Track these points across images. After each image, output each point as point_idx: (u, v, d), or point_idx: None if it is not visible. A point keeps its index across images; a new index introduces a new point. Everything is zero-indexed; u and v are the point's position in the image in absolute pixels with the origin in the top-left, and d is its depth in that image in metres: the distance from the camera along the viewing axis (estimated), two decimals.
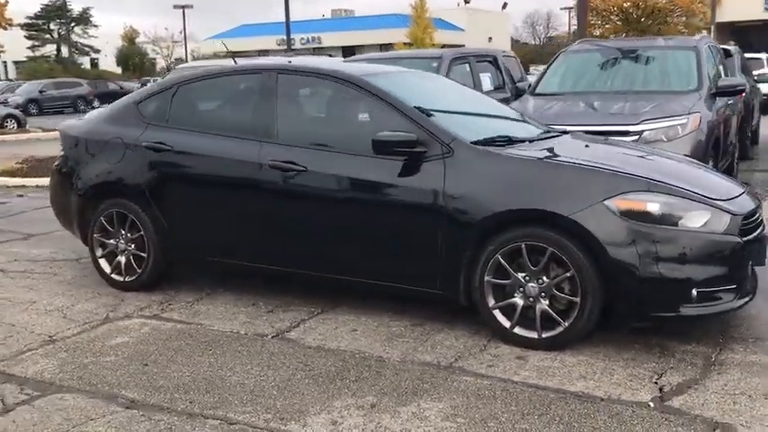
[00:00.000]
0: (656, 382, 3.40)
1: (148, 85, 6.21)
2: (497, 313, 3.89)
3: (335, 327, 4.23)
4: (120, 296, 4.90)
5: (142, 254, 4.93)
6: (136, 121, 5.01)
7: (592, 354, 3.74)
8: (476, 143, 4.05)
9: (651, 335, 3.90)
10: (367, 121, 4.46)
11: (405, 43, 39.30)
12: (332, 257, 4.35)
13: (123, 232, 4.97)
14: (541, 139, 4.43)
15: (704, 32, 35.37)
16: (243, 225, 4.57)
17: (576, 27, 22.70)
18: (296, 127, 4.55)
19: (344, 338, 4.06)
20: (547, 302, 3.77)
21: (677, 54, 7.76)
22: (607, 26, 39.14)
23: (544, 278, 3.76)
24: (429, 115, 4.14)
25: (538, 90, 7.93)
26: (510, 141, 4.21)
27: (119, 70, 58.06)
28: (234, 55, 6.11)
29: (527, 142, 4.32)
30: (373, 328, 4.19)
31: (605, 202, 3.63)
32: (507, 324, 3.87)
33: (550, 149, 4.19)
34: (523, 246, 3.76)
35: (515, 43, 60.76)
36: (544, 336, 3.79)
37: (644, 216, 3.61)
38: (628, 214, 3.60)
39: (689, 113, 6.55)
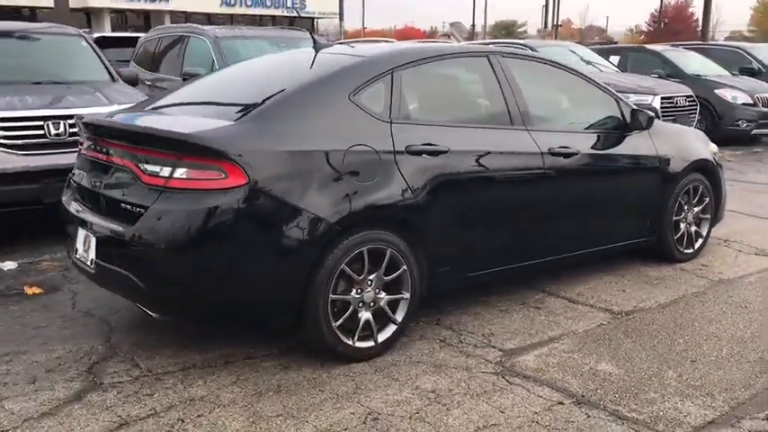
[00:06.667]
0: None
1: (342, 68, 3.33)
2: (677, 243, 5.21)
3: (607, 295, 4.60)
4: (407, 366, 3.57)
5: (404, 295, 3.70)
6: (365, 119, 3.57)
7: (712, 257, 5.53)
8: None
9: None
10: (586, 104, 4.74)
11: None
12: (581, 235, 4.60)
13: (371, 278, 3.58)
14: None
15: None
16: (523, 223, 4.17)
17: None
18: (543, 112, 4.39)
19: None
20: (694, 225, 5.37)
21: None
22: None
23: (695, 209, 5.32)
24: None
25: None
26: None
27: None
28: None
29: None
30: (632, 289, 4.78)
31: (710, 148, 5.46)
32: (681, 248, 5.25)
33: None
34: (691, 187, 5.22)
35: None
36: (696, 247, 5.37)
37: (715, 154, 5.59)
38: (714, 154, 5.53)
39: None
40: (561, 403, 3.15)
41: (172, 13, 41.51)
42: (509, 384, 3.33)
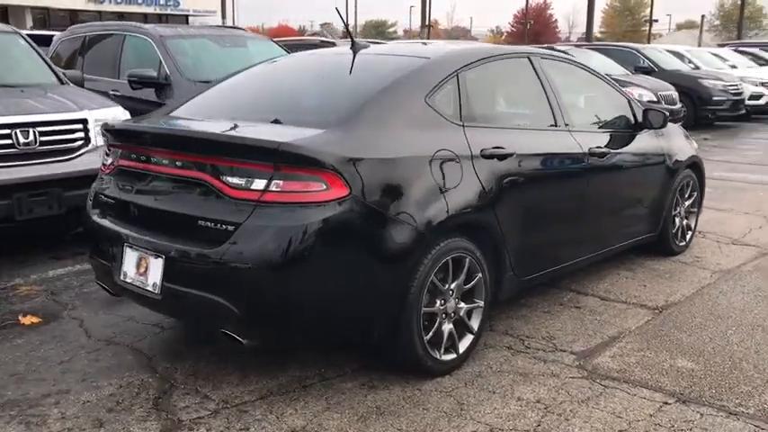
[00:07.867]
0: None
1: (413, 70, 3.12)
2: (674, 236, 5.41)
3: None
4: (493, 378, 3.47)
5: (478, 303, 3.60)
6: (442, 122, 3.43)
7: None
8: None
9: None
10: (606, 103, 4.78)
11: None
12: (612, 232, 4.67)
13: (452, 287, 3.45)
14: None
15: None
16: (573, 223, 4.18)
17: None
18: (577, 112, 4.40)
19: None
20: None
21: None
22: None
23: (686, 203, 5.55)
24: None
25: None
26: None
27: None
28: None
29: None
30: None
31: (692, 145, 5.72)
32: (677, 242, 5.46)
33: None
34: (685, 183, 5.44)
35: None
36: (687, 240, 5.60)
37: (696, 150, 5.84)
38: (696, 150, 5.79)
39: None
40: (667, 403, 3.16)
41: (32, 9, 38.80)
42: (605, 388, 3.30)
